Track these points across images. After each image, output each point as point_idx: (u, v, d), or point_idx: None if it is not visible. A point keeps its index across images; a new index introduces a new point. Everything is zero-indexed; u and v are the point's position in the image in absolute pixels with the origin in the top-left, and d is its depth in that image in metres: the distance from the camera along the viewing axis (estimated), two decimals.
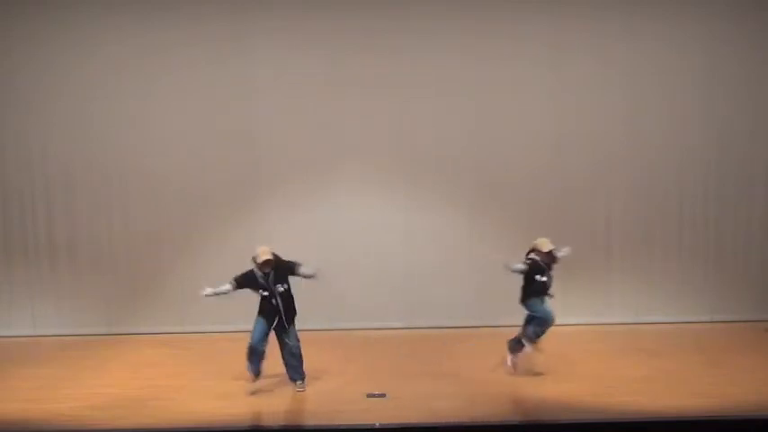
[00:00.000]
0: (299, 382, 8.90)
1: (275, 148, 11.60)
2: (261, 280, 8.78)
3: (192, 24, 11.47)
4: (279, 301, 8.75)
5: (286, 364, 8.94)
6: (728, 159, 11.72)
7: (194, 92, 11.51)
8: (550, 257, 9.13)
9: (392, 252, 11.63)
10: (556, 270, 9.22)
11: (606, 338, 10.80)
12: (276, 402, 8.48)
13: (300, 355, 8.93)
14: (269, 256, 8.76)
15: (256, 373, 8.85)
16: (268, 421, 8.05)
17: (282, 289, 8.78)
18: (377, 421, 7.66)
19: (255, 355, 8.79)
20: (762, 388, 8.61)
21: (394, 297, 11.62)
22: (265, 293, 8.79)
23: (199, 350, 10.65)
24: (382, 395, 8.45)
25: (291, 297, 8.90)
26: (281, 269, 8.81)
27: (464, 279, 11.62)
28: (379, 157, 11.64)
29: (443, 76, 11.52)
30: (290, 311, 8.88)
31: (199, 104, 11.52)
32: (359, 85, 11.54)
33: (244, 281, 8.83)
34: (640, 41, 11.52)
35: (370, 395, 8.46)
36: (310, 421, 7.93)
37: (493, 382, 8.98)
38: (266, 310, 8.81)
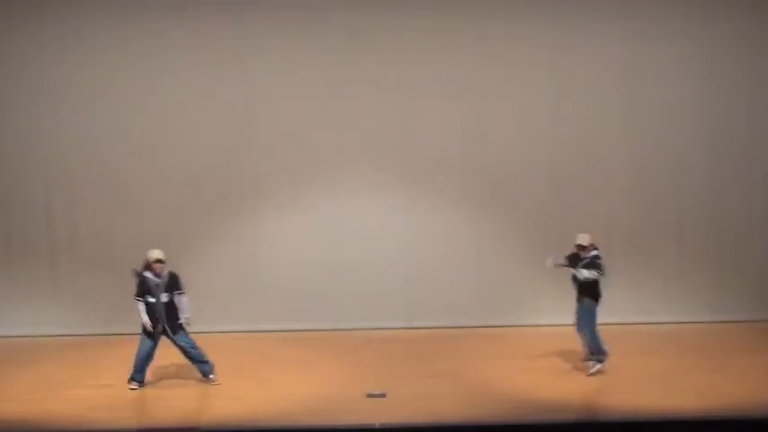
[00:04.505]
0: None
1: (275, 148, 11.61)
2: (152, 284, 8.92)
3: (193, 27, 11.48)
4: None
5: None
6: (728, 159, 11.74)
7: (195, 93, 11.52)
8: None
9: (393, 252, 11.63)
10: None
11: (606, 338, 10.79)
12: (276, 402, 8.49)
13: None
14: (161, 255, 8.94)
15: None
16: (268, 421, 8.05)
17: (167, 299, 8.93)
18: (377, 421, 7.66)
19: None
20: (762, 388, 8.61)
21: (395, 297, 11.63)
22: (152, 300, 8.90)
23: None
24: (382, 395, 8.44)
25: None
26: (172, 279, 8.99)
27: (465, 279, 11.62)
28: (380, 158, 11.64)
29: (444, 77, 11.53)
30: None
31: (199, 105, 11.53)
32: (359, 85, 11.54)
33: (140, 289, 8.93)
34: (640, 42, 11.53)
35: (370, 395, 8.46)
36: (310, 421, 7.93)
37: (493, 382, 8.99)
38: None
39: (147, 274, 8.91)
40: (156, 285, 8.90)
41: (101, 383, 9.14)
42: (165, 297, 8.89)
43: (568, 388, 8.77)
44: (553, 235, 11.41)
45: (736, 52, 11.61)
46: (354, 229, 11.64)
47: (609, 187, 11.71)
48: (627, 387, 8.71)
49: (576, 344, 9.49)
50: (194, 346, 9.07)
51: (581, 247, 9.23)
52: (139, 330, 9.07)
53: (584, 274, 9.08)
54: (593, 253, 9.20)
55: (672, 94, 11.63)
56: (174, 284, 8.97)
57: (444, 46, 11.51)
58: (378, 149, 11.65)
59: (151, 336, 8.95)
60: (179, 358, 9.19)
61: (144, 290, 8.91)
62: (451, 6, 11.47)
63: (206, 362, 9.12)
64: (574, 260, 9.31)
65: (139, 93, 11.50)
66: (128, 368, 9.01)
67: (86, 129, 11.53)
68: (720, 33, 11.59)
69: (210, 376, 9.08)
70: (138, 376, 8.97)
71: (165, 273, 8.94)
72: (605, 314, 11.44)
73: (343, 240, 11.60)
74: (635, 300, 11.70)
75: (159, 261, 8.89)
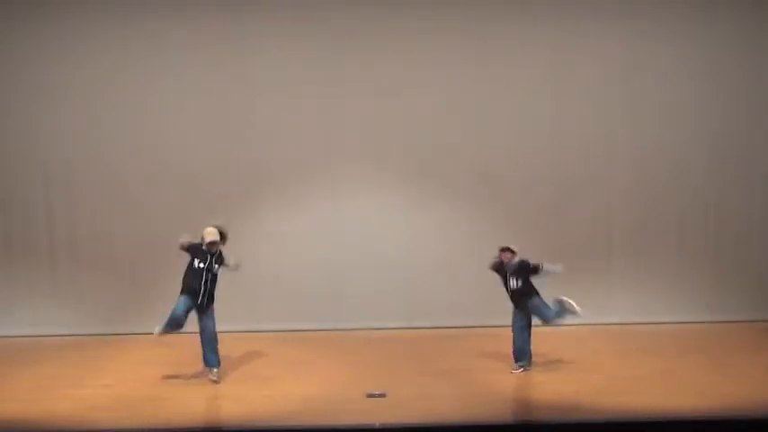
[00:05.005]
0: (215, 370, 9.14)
1: (275, 148, 11.61)
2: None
3: (193, 27, 11.49)
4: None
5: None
6: (728, 159, 11.74)
7: (194, 93, 11.53)
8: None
9: (392, 252, 11.62)
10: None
11: (606, 338, 10.80)
12: (276, 402, 8.48)
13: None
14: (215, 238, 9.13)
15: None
16: (268, 421, 8.04)
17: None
18: (377, 421, 7.66)
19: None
20: (762, 388, 8.60)
21: (394, 297, 11.62)
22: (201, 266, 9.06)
23: (198, 350, 10.61)
24: (382, 395, 8.44)
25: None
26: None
27: (464, 279, 11.60)
28: (380, 158, 11.65)
29: (444, 77, 11.54)
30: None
31: (199, 105, 11.54)
32: (360, 85, 11.55)
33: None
34: (640, 42, 11.53)
35: (370, 395, 8.45)
36: (310, 421, 7.93)
37: (493, 382, 8.98)
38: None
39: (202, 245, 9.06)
40: (207, 253, 9.05)
41: (101, 383, 9.13)
42: (214, 267, 9.07)
43: (568, 388, 8.76)
44: (553, 235, 11.43)
45: (736, 52, 11.61)
46: (354, 229, 11.64)
47: (609, 187, 11.71)
48: (627, 387, 8.70)
49: (576, 345, 9.52)
50: (214, 333, 9.12)
51: (508, 250, 9.30)
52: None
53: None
54: (518, 259, 9.28)
55: (672, 94, 11.63)
56: (220, 259, 9.13)
57: (444, 46, 11.51)
58: (378, 149, 11.65)
59: (190, 296, 9.01)
60: (178, 360, 9.19)
61: (194, 253, 9.08)
62: (451, 6, 11.48)
63: (216, 352, 9.12)
64: (500, 269, 9.42)
65: (139, 93, 11.51)
66: (128, 368, 9.01)
67: (86, 129, 11.54)
68: (720, 33, 11.59)
69: (213, 370, 9.06)
70: (167, 328, 9.01)
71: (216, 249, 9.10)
72: (606, 314, 11.52)
73: (343, 240, 11.60)
74: (635, 300, 11.70)
75: (212, 243, 9.05)
